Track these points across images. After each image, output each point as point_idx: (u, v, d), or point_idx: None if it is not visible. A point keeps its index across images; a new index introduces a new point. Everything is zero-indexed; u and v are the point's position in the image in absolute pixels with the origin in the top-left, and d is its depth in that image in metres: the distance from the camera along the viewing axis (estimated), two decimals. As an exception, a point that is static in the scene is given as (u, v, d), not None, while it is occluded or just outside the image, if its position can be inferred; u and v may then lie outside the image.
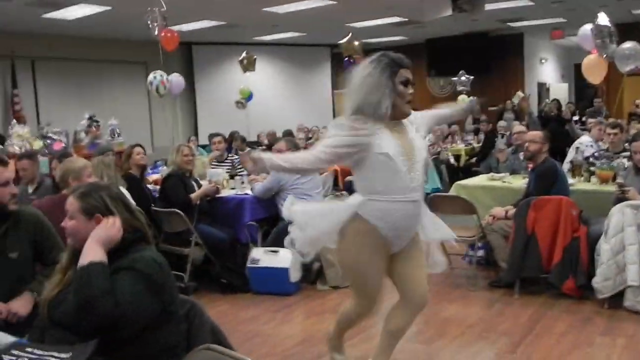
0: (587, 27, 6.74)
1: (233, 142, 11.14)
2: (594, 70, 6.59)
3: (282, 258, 5.31)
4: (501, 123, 10.91)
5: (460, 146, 11.62)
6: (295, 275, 5.34)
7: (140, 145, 6.22)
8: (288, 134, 10.86)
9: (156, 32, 7.48)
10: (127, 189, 5.27)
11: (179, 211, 5.38)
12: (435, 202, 5.31)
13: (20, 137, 8.06)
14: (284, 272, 5.27)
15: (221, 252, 5.60)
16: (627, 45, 6.69)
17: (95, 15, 10.29)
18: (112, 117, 9.21)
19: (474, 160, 10.89)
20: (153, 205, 5.77)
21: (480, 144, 11.46)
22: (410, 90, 2.97)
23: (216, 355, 2.00)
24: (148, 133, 13.96)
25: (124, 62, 13.31)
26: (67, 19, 10.58)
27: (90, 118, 8.94)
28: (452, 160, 10.58)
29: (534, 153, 5.10)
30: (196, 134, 14.05)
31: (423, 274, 3.26)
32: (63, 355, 1.93)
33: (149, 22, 7.42)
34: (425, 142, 3.23)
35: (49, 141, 8.31)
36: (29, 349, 1.97)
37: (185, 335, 2.32)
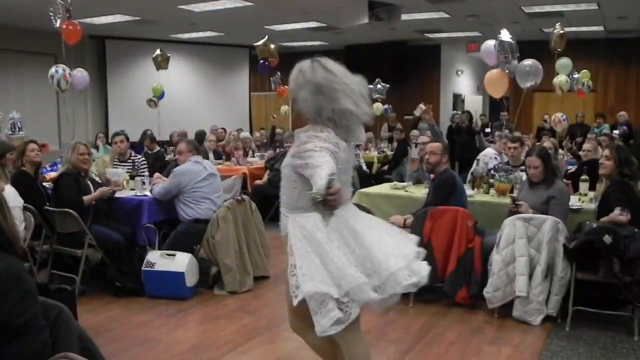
0: (490, 43, 6.91)
1: (144, 141, 10.85)
2: (495, 84, 6.76)
3: (179, 262, 5.18)
4: (414, 132, 11.10)
5: (374, 153, 11.73)
6: (191, 280, 5.22)
7: (35, 142, 5.92)
8: (200, 134, 10.69)
9: (57, 24, 7.14)
10: (17, 187, 5.03)
11: (72, 211, 5.15)
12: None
13: None
14: (180, 276, 5.14)
15: (117, 254, 5.42)
16: (528, 62, 6.91)
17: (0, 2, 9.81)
18: (15, 110, 8.80)
19: (386, 167, 11.04)
20: (48, 204, 5.52)
21: (393, 152, 11.61)
22: None
23: (72, 365, 1.95)
24: (55, 128, 13.44)
25: (32, 53, 12.75)
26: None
27: (-13, 110, 8.53)
28: (364, 167, 10.66)
29: (434, 165, 5.17)
30: (106, 131, 13.63)
31: None
32: None
33: (51, 13, 7.08)
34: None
35: (-59, 132, 7.86)
36: None
37: (49, 344, 2.20)
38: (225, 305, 5.02)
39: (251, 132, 12.97)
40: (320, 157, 2.51)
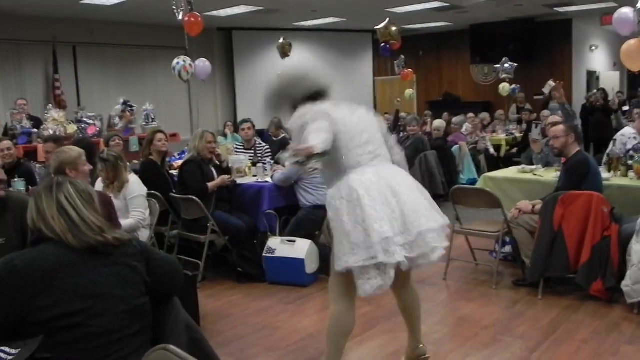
0: (624, 10, 6.31)
1: (269, 128, 11.05)
2: (633, 56, 6.14)
3: (299, 248, 5.18)
4: (544, 112, 10.49)
5: (501, 136, 11.23)
6: (311, 267, 5.21)
7: (162, 132, 6.15)
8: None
9: (180, 17, 7.36)
10: (143, 175, 5.24)
11: (195, 198, 5.29)
12: (458, 194, 5.09)
13: (55, 121, 8.11)
14: (300, 262, 5.14)
15: (238, 240, 5.50)
16: (671, 31, 6.23)
17: (134, 0, 10.29)
18: (148, 102, 9.19)
19: (515, 150, 10.54)
20: (174, 191, 5.72)
21: (522, 134, 11.08)
22: None
23: (170, 357, 1.88)
24: (187, 118, 14.00)
25: (164, 48, 13.28)
26: (106, 5, 10.61)
27: (124, 103, 8.94)
28: (491, 150, 10.22)
29: (561, 148, 4.81)
30: (235, 120, 14.01)
31: None
32: (12, 351, 1.91)
33: (174, 7, 7.31)
34: None
35: (83, 125, 8.35)
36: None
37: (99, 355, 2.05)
38: (344, 293, 4.95)
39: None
40: (314, 126, 2.86)
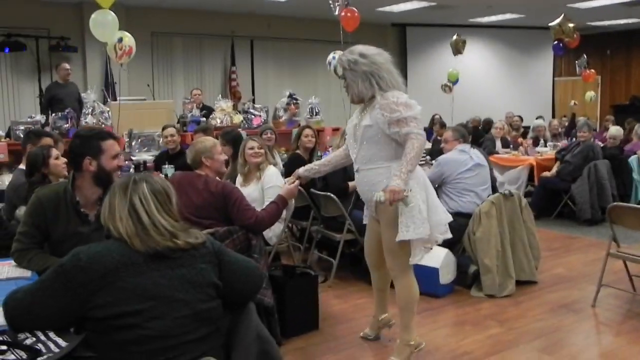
0: None
1: (433, 127, 10.80)
2: None
3: (435, 256, 4.89)
4: None
5: None
6: (446, 277, 4.94)
7: (310, 127, 6.21)
8: (487, 122, 10.26)
9: (336, 12, 7.34)
10: (288, 167, 5.30)
11: (333, 196, 5.22)
12: (616, 212, 4.53)
13: (223, 111, 8.51)
14: (434, 272, 4.88)
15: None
16: None
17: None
18: (314, 95, 9.32)
19: None
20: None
21: None
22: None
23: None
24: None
25: (337, 43, 13.45)
26: (282, 0, 10.91)
27: (290, 95, 9.14)
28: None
29: None
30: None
31: (384, 249, 3.58)
32: (63, 344, 1.90)
33: (330, 2, 7.29)
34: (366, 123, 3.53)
35: (249, 116, 8.66)
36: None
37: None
38: (478, 309, 4.61)
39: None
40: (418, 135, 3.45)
